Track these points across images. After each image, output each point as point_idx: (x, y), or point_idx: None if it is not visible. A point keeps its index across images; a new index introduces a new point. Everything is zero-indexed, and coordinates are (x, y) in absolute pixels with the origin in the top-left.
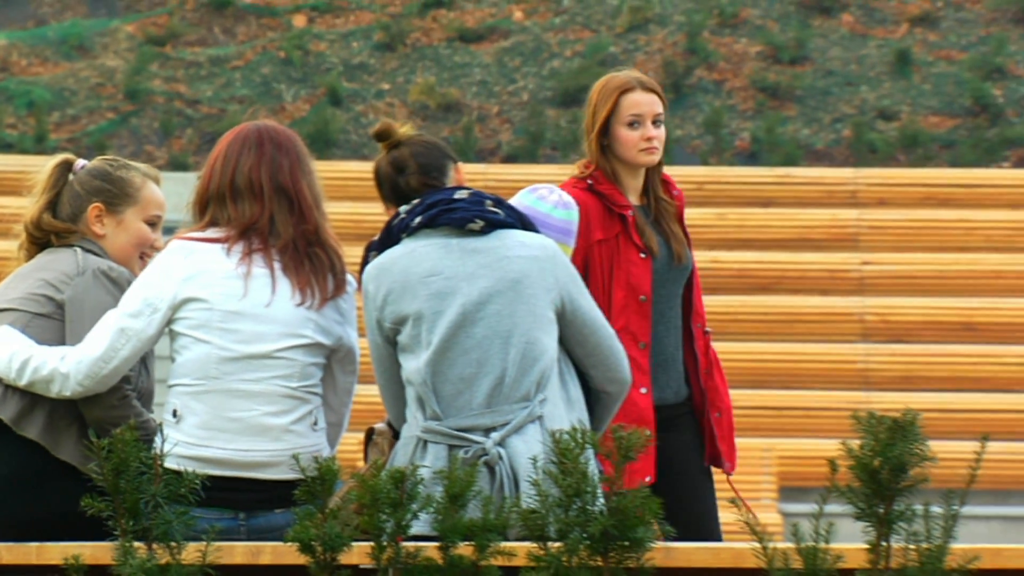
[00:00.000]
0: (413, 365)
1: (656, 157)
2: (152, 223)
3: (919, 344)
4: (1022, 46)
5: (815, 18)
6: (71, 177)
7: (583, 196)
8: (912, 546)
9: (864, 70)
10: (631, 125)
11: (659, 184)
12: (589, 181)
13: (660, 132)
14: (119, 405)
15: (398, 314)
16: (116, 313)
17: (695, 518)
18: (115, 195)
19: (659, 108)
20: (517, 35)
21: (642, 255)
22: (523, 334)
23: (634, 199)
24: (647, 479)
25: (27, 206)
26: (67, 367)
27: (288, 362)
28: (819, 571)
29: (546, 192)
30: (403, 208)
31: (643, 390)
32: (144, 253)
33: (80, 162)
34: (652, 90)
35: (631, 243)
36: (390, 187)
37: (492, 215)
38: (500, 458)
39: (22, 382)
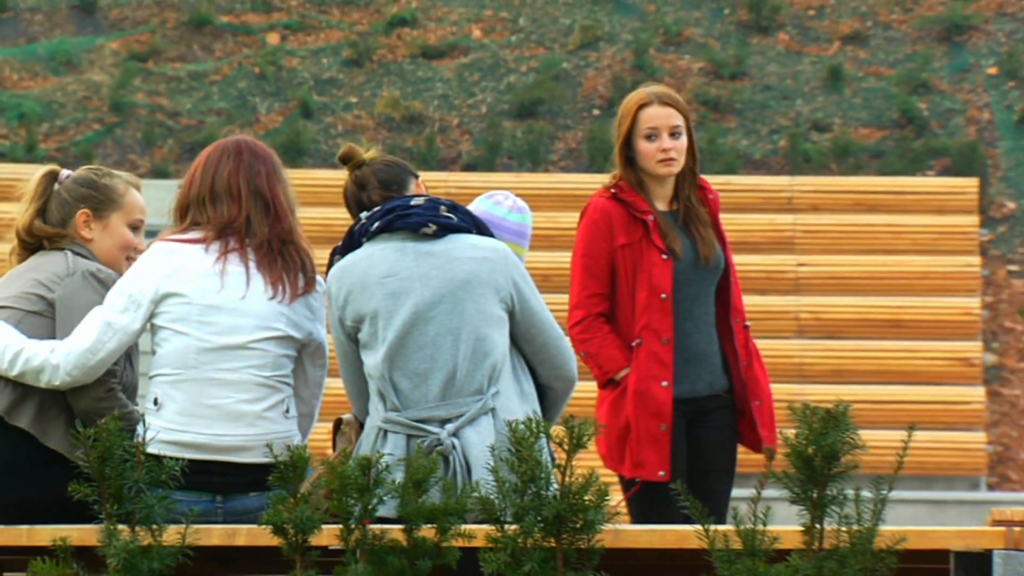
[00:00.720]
0: (372, 360)
1: (674, 167)
2: (135, 227)
3: (850, 340)
4: (945, 63)
5: (753, 36)
6: (57, 186)
7: (608, 204)
8: (844, 528)
9: (799, 85)
10: (648, 138)
11: (692, 189)
12: (613, 190)
13: (679, 143)
14: (105, 397)
15: (358, 313)
16: (103, 309)
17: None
18: (101, 201)
19: (676, 120)
20: (476, 52)
21: (664, 256)
22: (472, 331)
23: (662, 205)
24: (660, 473)
25: (17, 214)
26: (57, 358)
27: (261, 352)
28: (757, 551)
29: (501, 198)
30: (364, 214)
31: (664, 383)
32: (128, 256)
33: (65, 172)
34: (669, 104)
35: (653, 246)
36: (355, 203)
37: (445, 220)
38: (454, 448)
39: (13, 372)
